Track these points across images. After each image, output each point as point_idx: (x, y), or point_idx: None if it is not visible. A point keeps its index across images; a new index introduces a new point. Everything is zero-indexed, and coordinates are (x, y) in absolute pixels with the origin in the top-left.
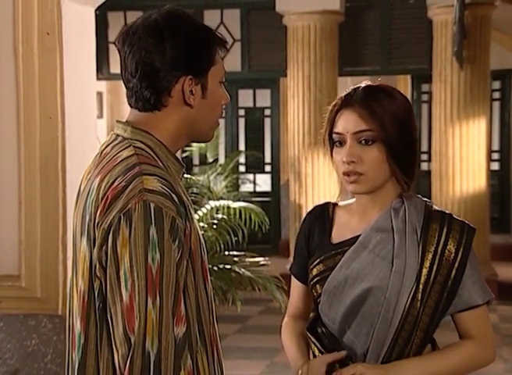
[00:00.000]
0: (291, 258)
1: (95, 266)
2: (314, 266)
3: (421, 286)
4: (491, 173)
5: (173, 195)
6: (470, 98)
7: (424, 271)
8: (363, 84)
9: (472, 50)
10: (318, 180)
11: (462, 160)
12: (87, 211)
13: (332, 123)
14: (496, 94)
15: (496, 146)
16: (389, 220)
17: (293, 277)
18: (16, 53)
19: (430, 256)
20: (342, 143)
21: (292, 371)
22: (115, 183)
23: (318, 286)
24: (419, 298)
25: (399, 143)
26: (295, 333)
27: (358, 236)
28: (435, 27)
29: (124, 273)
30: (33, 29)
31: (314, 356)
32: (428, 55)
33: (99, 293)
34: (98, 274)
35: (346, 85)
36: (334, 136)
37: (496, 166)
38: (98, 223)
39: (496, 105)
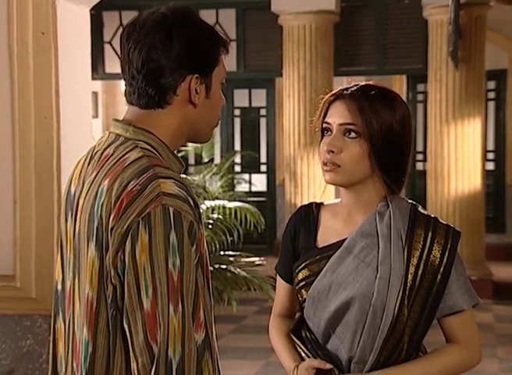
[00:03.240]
0: None
1: (109, 273)
2: (300, 271)
3: (406, 291)
4: (486, 173)
5: (189, 199)
6: (465, 97)
7: (410, 277)
8: (366, 82)
9: (467, 50)
10: (314, 180)
11: (457, 160)
12: (96, 215)
13: (324, 112)
14: (491, 94)
15: (490, 146)
16: (374, 225)
17: (278, 276)
18: (10, 52)
19: (415, 261)
20: (329, 132)
21: (285, 372)
22: (130, 187)
23: (303, 291)
24: (406, 304)
25: (383, 146)
26: (284, 333)
27: (343, 240)
28: (431, 27)
29: (144, 280)
30: (28, 28)
31: (302, 357)
32: (423, 55)
33: (112, 300)
34: (113, 281)
35: (342, 85)
36: (324, 125)
37: (490, 166)
38: (113, 227)
39: (491, 105)
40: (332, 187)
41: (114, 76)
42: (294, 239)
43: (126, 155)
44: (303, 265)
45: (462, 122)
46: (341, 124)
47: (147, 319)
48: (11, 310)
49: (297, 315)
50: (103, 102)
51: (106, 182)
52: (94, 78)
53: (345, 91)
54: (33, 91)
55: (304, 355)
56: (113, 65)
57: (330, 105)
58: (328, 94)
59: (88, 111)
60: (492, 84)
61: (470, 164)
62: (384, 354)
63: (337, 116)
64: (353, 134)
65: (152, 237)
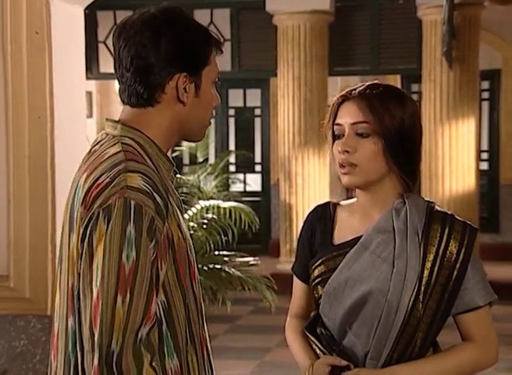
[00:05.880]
0: (281, 258)
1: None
2: (316, 267)
3: (422, 287)
4: (480, 173)
5: (155, 194)
6: (459, 97)
7: (426, 272)
8: (373, 82)
9: (461, 50)
10: (308, 180)
11: (451, 160)
12: (75, 208)
13: (334, 114)
14: (485, 94)
15: (485, 146)
16: (391, 221)
17: (295, 277)
18: (4, 52)
19: (431, 257)
20: (341, 136)
21: (286, 370)
22: (100, 180)
23: (319, 287)
24: (421, 300)
25: (397, 142)
26: (300, 334)
27: (359, 237)
28: (425, 27)
29: (96, 269)
30: (21, 28)
31: (317, 354)
32: (417, 55)
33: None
34: (79, 270)
35: (336, 85)
36: (335, 128)
37: (485, 166)
38: (82, 218)
39: (485, 105)
40: (327, 191)
41: (108, 76)
42: (311, 238)
43: (106, 150)
44: (319, 261)
45: (456, 122)
46: (353, 123)
47: (94, 306)
48: (5, 310)
49: (313, 313)
50: (97, 102)
51: (84, 176)
52: (88, 78)
53: (353, 91)
54: (27, 91)
55: (319, 351)
56: (107, 64)
57: (339, 106)
58: (336, 96)
59: (82, 110)
60: (486, 84)
61: (464, 164)
62: (398, 349)
63: (348, 116)
64: (366, 133)
65: (109, 227)
